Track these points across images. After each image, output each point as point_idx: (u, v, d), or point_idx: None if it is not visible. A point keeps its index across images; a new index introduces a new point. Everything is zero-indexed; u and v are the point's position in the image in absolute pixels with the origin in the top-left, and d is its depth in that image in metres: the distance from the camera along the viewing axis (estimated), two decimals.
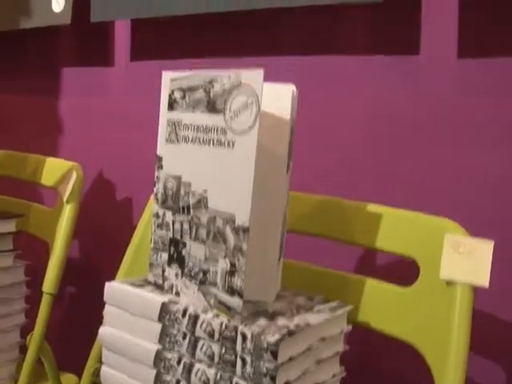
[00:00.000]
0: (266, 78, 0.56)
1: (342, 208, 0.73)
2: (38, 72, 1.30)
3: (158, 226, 0.67)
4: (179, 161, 0.64)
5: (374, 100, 0.88)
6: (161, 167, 0.66)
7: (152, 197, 0.71)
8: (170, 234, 0.65)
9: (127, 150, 1.17)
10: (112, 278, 0.83)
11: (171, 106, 0.65)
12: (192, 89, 0.62)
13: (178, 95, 0.64)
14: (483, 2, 0.79)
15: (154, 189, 0.67)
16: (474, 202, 0.81)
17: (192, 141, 0.62)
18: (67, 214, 0.95)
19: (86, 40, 1.20)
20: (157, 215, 0.67)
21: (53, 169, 1.04)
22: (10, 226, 0.96)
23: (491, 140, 0.80)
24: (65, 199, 0.95)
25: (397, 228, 0.68)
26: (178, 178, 0.64)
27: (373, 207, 0.70)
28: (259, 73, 0.56)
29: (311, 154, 0.93)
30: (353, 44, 0.90)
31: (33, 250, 1.02)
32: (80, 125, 1.24)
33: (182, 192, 0.64)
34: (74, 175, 0.95)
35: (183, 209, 0.63)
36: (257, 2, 0.91)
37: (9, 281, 0.99)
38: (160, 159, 0.66)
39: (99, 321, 0.67)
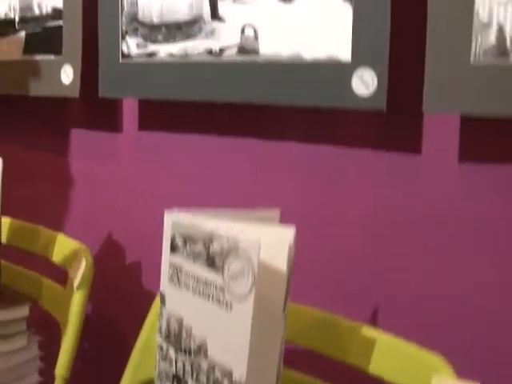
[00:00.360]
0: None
1: (338, 326, 0.75)
2: (47, 132, 1.32)
3: (162, 359, 0.69)
4: (181, 304, 0.66)
5: (371, 196, 0.89)
6: (164, 304, 0.69)
7: (159, 295, 0.72)
8: (173, 371, 0.68)
9: (135, 214, 1.19)
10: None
11: (173, 248, 0.67)
12: (193, 239, 0.64)
13: (179, 241, 0.66)
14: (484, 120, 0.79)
15: (158, 323, 0.69)
16: (471, 317, 0.82)
17: (193, 290, 0.64)
18: (77, 300, 0.98)
19: (94, 107, 1.22)
20: (161, 348, 0.69)
21: (63, 247, 1.07)
22: (23, 311, 1.00)
23: (488, 246, 0.81)
24: (75, 286, 0.98)
25: (387, 355, 0.70)
26: (180, 320, 0.66)
27: (367, 330, 0.73)
28: (256, 242, 0.58)
29: (309, 251, 0.95)
30: (354, 139, 0.91)
31: (46, 322, 1.06)
32: (88, 187, 1.26)
33: (184, 334, 0.66)
34: (84, 263, 0.98)
35: (185, 351, 0.66)
36: (256, 96, 0.92)
37: (23, 358, 1.03)
38: (163, 297, 0.69)
39: None
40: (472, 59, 0.74)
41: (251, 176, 1.01)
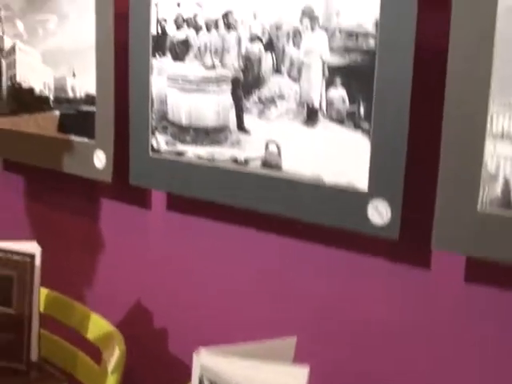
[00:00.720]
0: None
1: None
2: (80, 205, 1.40)
3: None
4: None
5: (386, 309, 0.96)
6: None
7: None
8: None
9: (162, 291, 1.27)
10: None
11: None
12: None
13: (206, 382, 0.74)
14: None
15: None
16: None
17: None
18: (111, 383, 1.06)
19: (126, 188, 1.28)
20: None
21: (97, 327, 1.16)
22: None
23: (492, 362, 0.88)
24: (109, 370, 1.07)
25: None
26: None
27: None
28: None
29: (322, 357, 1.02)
30: (367, 258, 0.97)
31: None
32: (116, 259, 1.34)
33: None
34: (117, 349, 1.06)
35: None
36: (278, 209, 0.98)
37: None
38: None
39: None
40: (479, 207, 0.80)
41: (272, 271, 1.09)
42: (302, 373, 0.74)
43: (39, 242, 1.14)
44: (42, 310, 1.23)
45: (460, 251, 0.83)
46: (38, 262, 1.11)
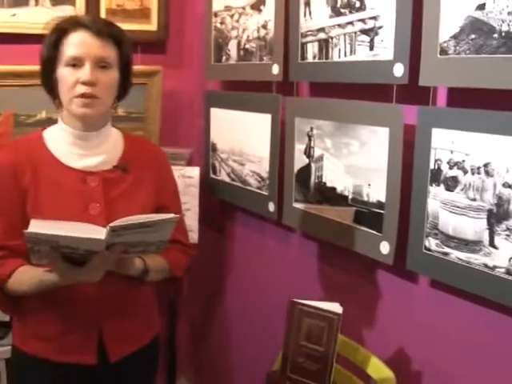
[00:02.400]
0: None
1: None
2: (361, 271, 1.92)
3: None
4: None
5: None
6: None
7: None
8: None
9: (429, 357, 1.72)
10: None
11: None
12: None
13: None
14: None
15: None
16: None
17: None
18: None
19: (402, 269, 1.75)
20: None
21: (375, 368, 1.65)
22: None
23: None
24: None
25: None
26: None
27: None
28: None
29: None
30: None
31: None
32: (387, 319, 1.83)
33: None
34: None
35: None
36: None
37: None
38: None
39: None
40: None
41: None
42: None
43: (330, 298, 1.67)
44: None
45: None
46: (340, 317, 1.64)
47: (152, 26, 2.69)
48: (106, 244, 1.35)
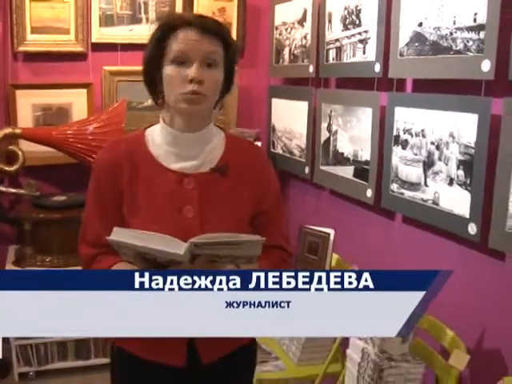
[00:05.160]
0: None
1: None
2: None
3: None
4: None
5: None
6: None
7: None
8: None
9: None
10: None
11: None
12: None
13: None
14: None
15: None
16: None
17: None
18: None
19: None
20: None
21: None
22: None
23: None
24: None
25: None
26: None
27: None
28: None
29: None
30: None
31: None
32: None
33: None
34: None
35: None
36: None
37: None
38: None
39: None
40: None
41: None
42: None
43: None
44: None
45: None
46: (331, 237, 2.38)
47: (233, 36, 3.55)
48: (191, 254, 1.35)
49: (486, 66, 1.83)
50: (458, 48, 1.95)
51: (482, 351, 1.92)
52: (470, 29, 1.90)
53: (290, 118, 3.16)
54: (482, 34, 1.84)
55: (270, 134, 3.40)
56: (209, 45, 1.49)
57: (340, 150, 2.69)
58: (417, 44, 2.15)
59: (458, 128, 1.97)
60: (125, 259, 1.44)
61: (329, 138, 2.77)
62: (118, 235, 1.36)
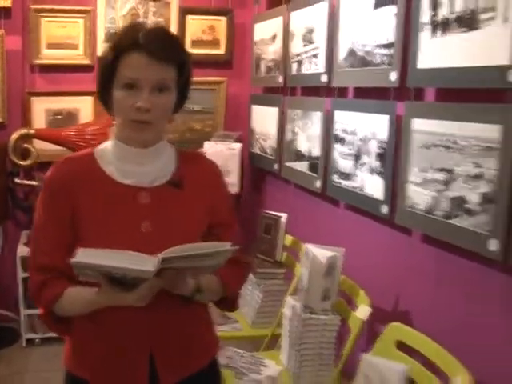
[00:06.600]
0: None
1: None
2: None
3: None
4: None
5: None
6: None
7: None
8: None
9: None
10: None
11: None
12: None
13: None
14: None
15: None
16: None
17: None
18: None
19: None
20: None
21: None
22: None
23: None
24: None
25: None
26: None
27: None
28: None
29: None
30: None
31: None
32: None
33: None
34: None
35: None
36: None
37: None
38: None
39: None
40: None
41: None
42: None
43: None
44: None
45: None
46: (283, 219, 2.83)
47: (221, 50, 4.05)
48: (157, 270, 1.31)
49: (394, 76, 2.27)
50: (376, 62, 2.40)
51: (385, 304, 2.35)
52: (384, 46, 2.35)
53: (265, 122, 3.63)
54: (391, 50, 2.29)
55: (250, 137, 3.87)
56: (159, 71, 1.44)
57: (299, 148, 3.14)
58: (351, 58, 2.60)
59: (376, 127, 2.41)
60: (83, 280, 1.38)
61: (292, 139, 3.23)
62: (84, 257, 1.29)
